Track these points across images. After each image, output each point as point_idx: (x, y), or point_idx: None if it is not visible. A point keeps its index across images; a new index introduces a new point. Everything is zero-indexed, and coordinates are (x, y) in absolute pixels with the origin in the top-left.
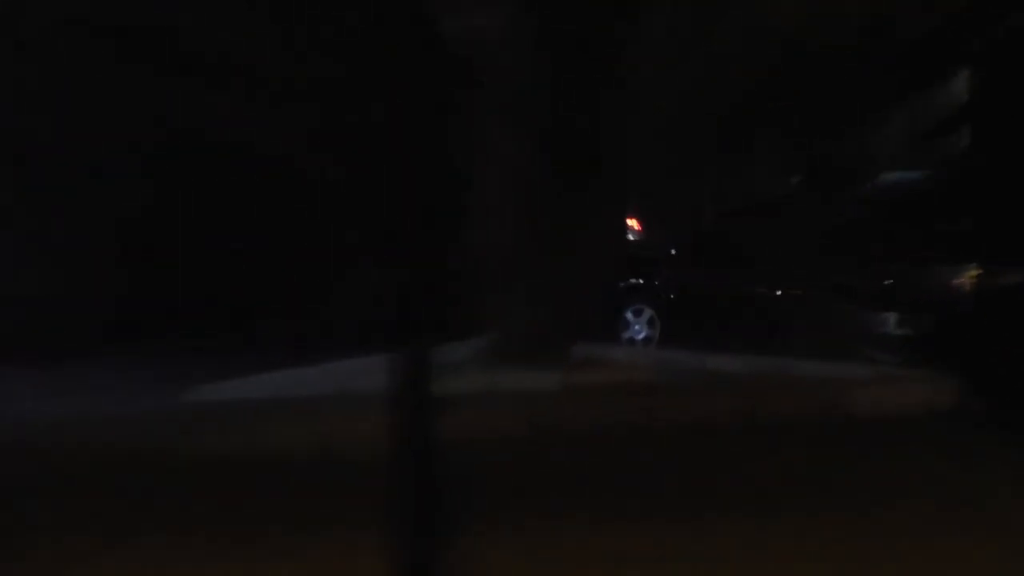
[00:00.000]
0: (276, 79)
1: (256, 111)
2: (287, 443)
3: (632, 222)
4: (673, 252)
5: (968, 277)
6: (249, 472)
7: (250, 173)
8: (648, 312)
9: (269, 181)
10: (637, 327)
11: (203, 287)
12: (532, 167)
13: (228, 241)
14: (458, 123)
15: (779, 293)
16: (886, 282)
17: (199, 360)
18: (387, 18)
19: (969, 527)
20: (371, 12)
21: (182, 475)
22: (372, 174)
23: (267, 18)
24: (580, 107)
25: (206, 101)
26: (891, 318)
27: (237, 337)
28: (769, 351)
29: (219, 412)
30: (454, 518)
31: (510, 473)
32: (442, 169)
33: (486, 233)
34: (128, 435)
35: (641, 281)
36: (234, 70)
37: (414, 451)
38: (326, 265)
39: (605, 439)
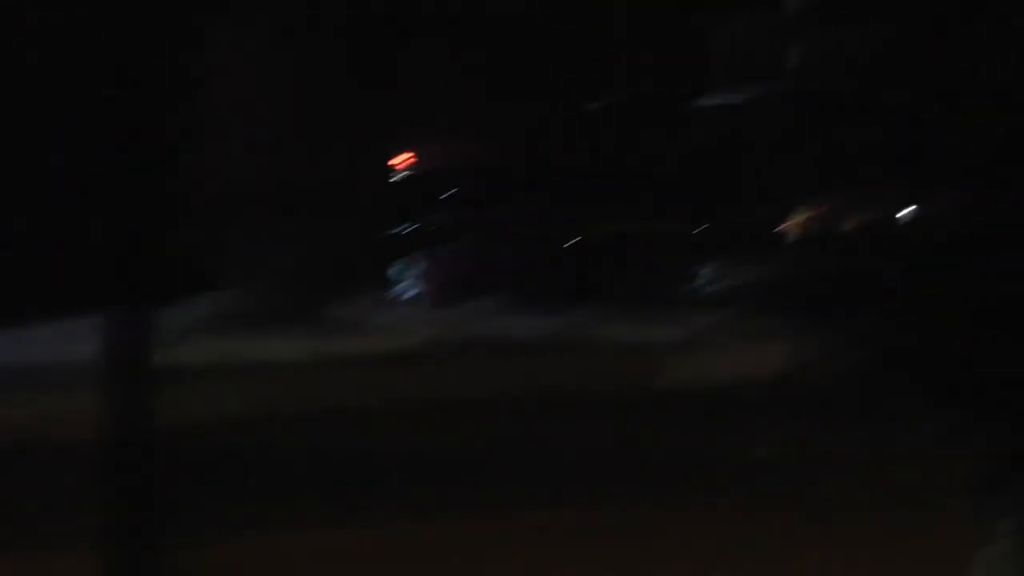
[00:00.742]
0: None
1: None
2: None
3: (406, 155)
4: (455, 192)
5: (803, 218)
6: None
7: None
8: (423, 264)
9: None
10: (410, 286)
11: None
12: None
13: None
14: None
15: (580, 239)
16: (697, 229)
17: None
18: None
19: None
20: None
21: None
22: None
23: None
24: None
25: None
26: (707, 271)
27: None
28: (569, 310)
29: None
30: (171, 520)
31: (233, 466)
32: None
33: (220, 163)
34: None
35: (416, 225)
36: None
37: (126, 437)
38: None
39: (353, 420)
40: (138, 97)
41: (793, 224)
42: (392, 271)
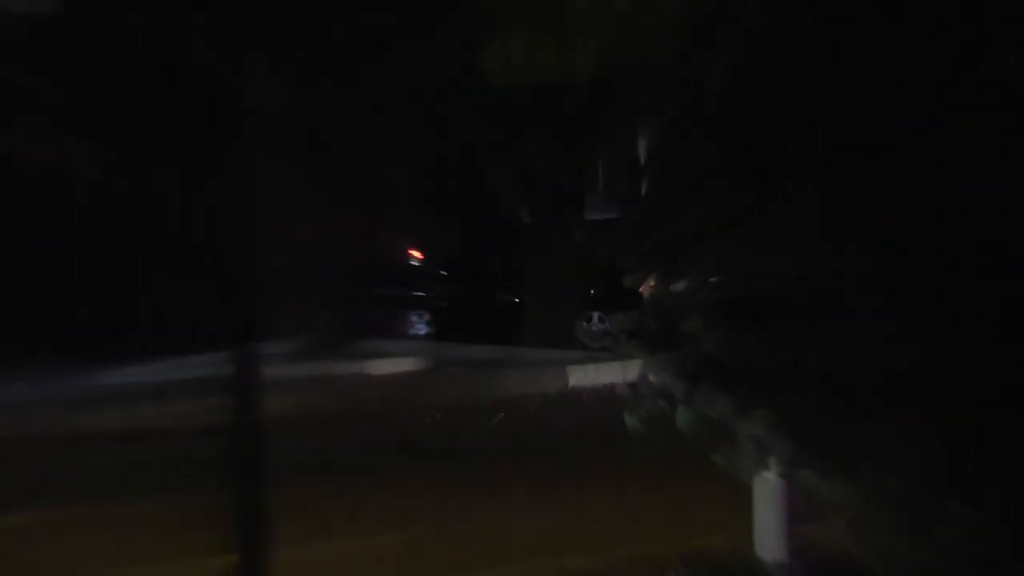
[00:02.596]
0: None
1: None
2: (154, 420)
3: (414, 251)
4: (442, 272)
5: (649, 284)
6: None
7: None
8: (426, 315)
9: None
10: (419, 327)
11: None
12: (329, 211)
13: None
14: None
15: (517, 300)
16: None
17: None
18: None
19: None
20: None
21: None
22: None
23: None
24: (362, 161)
25: None
26: (595, 317)
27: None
28: (509, 341)
29: (102, 395)
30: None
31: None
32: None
33: (285, 257)
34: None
35: (422, 293)
36: None
37: (242, 427)
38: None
39: (388, 417)
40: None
41: (643, 288)
42: (411, 319)
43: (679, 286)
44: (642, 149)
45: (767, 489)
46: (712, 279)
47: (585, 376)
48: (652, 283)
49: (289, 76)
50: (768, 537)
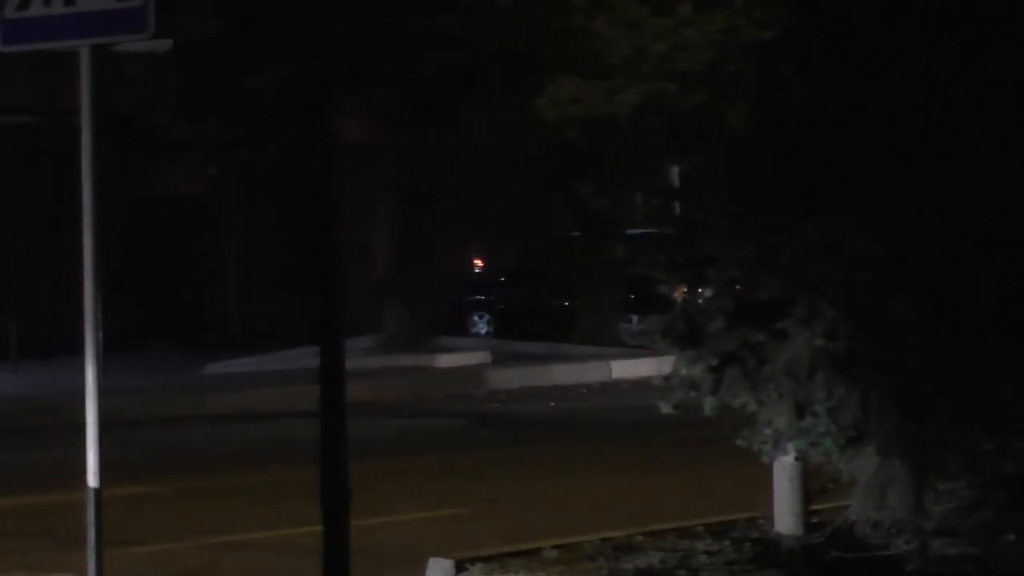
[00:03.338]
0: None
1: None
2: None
3: (477, 260)
4: (502, 279)
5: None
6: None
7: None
8: (487, 316)
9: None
10: (480, 326)
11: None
12: (404, 223)
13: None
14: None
15: (566, 304)
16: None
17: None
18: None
19: None
20: None
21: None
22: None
23: None
24: (435, 175)
25: None
26: (634, 319)
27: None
28: (559, 339)
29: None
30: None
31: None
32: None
33: (373, 265)
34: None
35: (483, 297)
36: None
37: (329, 411)
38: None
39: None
40: None
41: (675, 294)
42: (474, 319)
43: (705, 292)
44: (674, 175)
45: (785, 470)
46: (734, 287)
47: (625, 369)
48: (683, 290)
49: (383, 112)
50: (786, 513)
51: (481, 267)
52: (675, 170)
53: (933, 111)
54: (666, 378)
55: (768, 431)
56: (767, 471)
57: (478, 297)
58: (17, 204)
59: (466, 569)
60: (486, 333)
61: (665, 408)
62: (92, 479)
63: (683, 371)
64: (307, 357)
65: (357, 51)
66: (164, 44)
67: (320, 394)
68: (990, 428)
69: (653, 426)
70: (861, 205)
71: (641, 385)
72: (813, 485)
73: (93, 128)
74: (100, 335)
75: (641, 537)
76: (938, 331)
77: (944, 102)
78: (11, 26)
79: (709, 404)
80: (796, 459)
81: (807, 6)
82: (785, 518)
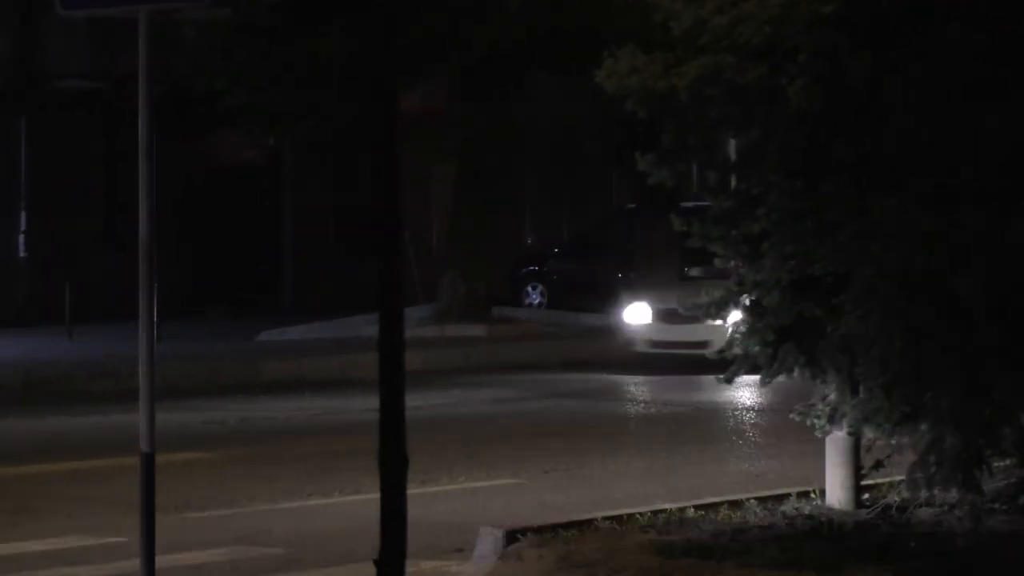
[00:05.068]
0: None
1: None
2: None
3: (533, 234)
4: (556, 251)
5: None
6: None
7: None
8: (540, 287)
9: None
10: (534, 297)
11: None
12: (461, 195)
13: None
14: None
15: (620, 276)
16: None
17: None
18: None
19: None
20: None
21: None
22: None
23: None
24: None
25: None
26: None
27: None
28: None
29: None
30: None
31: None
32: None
33: (433, 236)
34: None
35: (536, 268)
36: None
37: (389, 376)
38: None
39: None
40: None
41: (729, 267)
42: (527, 289)
43: (760, 266)
44: (731, 149)
45: (838, 444)
46: (790, 261)
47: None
48: (737, 263)
49: (442, 84)
50: (838, 488)
51: (537, 239)
52: (732, 143)
53: (997, 89)
54: (720, 351)
55: (822, 406)
56: (820, 445)
57: (532, 268)
58: (75, 170)
59: (517, 540)
60: (539, 304)
61: (720, 382)
62: (145, 444)
63: (737, 347)
64: (361, 326)
65: (421, 25)
66: (224, 12)
67: (380, 362)
68: None
69: (702, 395)
70: (926, 182)
71: (694, 355)
72: (866, 460)
73: (151, 95)
74: (155, 301)
75: (693, 511)
76: (1004, 309)
77: (1003, 82)
78: None
79: (764, 377)
80: (849, 434)
81: None
82: (837, 493)
